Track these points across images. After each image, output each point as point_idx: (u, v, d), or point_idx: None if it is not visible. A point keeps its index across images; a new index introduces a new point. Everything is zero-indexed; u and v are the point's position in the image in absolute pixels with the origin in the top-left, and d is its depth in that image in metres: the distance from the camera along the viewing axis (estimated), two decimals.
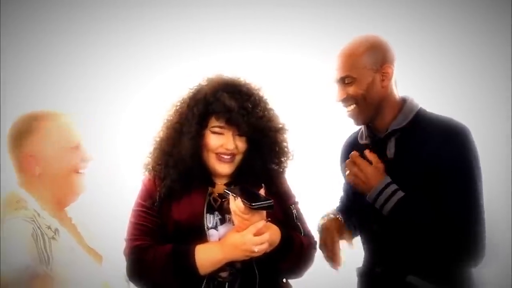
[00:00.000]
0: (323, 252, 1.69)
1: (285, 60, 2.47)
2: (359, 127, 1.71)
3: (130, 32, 2.44)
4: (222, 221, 1.55)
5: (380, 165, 1.55)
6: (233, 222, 1.48)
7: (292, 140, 1.66)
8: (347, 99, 1.56)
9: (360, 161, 1.56)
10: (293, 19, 2.44)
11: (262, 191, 1.46)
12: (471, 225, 1.43)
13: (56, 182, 1.32)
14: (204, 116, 1.54)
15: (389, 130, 1.56)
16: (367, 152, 1.56)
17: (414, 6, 2.44)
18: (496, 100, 2.34)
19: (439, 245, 1.46)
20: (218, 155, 1.55)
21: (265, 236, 1.42)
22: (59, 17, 2.37)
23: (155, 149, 1.60)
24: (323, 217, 1.78)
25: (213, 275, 1.49)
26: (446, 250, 1.46)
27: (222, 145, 1.53)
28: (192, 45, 2.43)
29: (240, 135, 1.54)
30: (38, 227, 1.22)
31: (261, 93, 1.61)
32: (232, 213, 1.43)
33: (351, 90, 1.54)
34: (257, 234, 1.41)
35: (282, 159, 1.63)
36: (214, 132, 1.54)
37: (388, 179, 1.52)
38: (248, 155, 1.58)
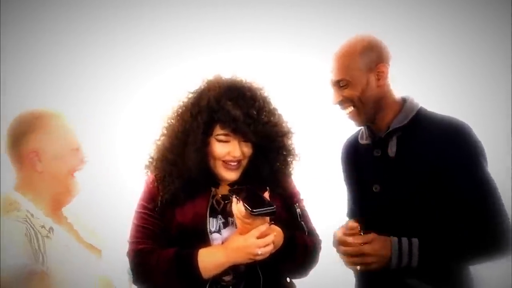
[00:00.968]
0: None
1: (286, 59, 2.46)
2: (359, 127, 1.70)
3: (129, 32, 2.44)
4: (225, 224, 1.55)
5: (370, 235, 1.48)
6: (236, 225, 1.47)
7: (296, 140, 1.65)
8: (344, 102, 1.57)
9: (365, 247, 1.46)
10: (293, 18, 2.44)
11: (266, 194, 1.46)
12: (490, 214, 1.43)
13: (55, 181, 1.33)
14: (209, 124, 1.51)
15: (390, 129, 1.56)
16: (350, 225, 1.50)
17: (413, 5, 2.44)
18: (496, 98, 2.34)
19: (471, 244, 1.45)
20: (225, 163, 1.53)
21: (269, 238, 1.41)
22: (58, 16, 2.37)
23: (158, 157, 1.58)
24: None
25: (217, 279, 1.49)
26: (467, 244, 1.45)
27: (229, 152, 1.51)
28: (191, 45, 2.43)
29: (246, 141, 1.53)
30: (31, 226, 1.24)
31: (264, 94, 1.59)
32: (235, 216, 1.42)
33: (346, 92, 1.55)
34: (260, 237, 1.41)
35: (289, 162, 1.63)
36: (219, 140, 1.51)
37: (394, 240, 1.47)
38: (255, 159, 1.56)
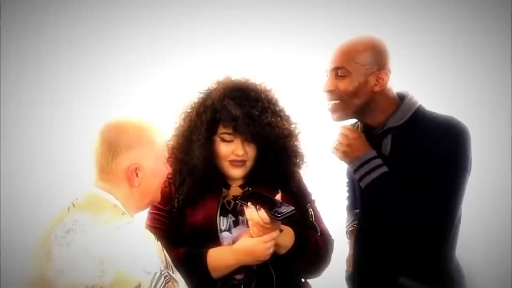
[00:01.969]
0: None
1: (295, 60, 2.46)
2: (352, 121, 1.68)
3: (132, 33, 2.43)
4: (236, 223, 1.55)
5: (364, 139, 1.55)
6: (247, 224, 1.48)
7: (302, 141, 1.64)
8: (334, 93, 1.54)
9: (349, 131, 1.56)
10: (299, 17, 2.44)
11: (278, 196, 1.47)
12: (440, 221, 1.44)
13: (145, 195, 1.30)
14: (213, 123, 1.53)
15: (385, 127, 1.54)
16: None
17: (414, 4, 2.44)
18: (496, 98, 2.34)
19: (407, 230, 1.47)
20: (230, 161, 1.54)
21: (273, 243, 1.44)
22: (58, 16, 2.37)
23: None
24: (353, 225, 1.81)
25: (228, 277, 1.50)
26: (414, 237, 1.47)
27: (232, 151, 1.52)
28: (199, 45, 2.43)
29: (249, 142, 1.53)
30: None
31: (270, 96, 1.58)
32: (252, 223, 1.42)
33: (342, 84, 1.51)
34: (269, 241, 1.43)
35: (296, 162, 1.62)
36: (223, 140, 1.53)
37: (374, 153, 1.52)
38: (260, 160, 1.57)
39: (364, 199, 1.56)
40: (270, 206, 1.40)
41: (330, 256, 1.60)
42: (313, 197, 1.68)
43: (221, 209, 1.55)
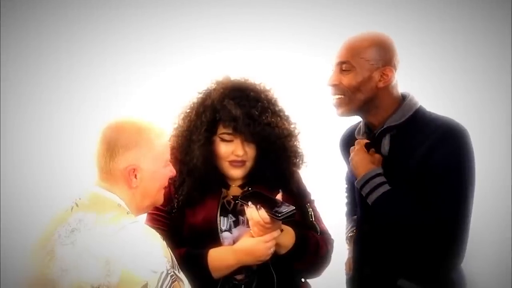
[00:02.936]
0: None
1: (294, 60, 2.46)
2: (355, 120, 1.69)
3: (131, 33, 2.43)
4: (236, 223, 1.55)
5: (377, 155, 1.53)
6: (247, 224, 1.48)
7: (302, 141, 1.64)
8: (338, 87, 1.53)
9: (358, 147, 1.56)
10: (299, 17, 2.44)
11: (279, 196, 1.47)
12: (456, 229, 1.41)
13: (146, 197, 1.29)
14: (213, 123, 1.53)
15: (384, 127, 1.53)
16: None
17: (414, 4, 2.43)
18: (497, 98, 2.34)
19: (421, 245, 1.44)
20: (230, 161, 1.54)
21: (274, 242, 1.44)
22: (58, 15, 2.36)
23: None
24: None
25: (229, 277, 1.50)
26: (428, 250, 1.44)
27: (232, 152, 1.52)
28: (198, 44, 2.43)
29: (249, 142, 1.53)
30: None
31: (269, 96, 1.59)
32: (252, 223, 1.42)
33: (346, 79, 1.50)
34: (269, 241, 1.43)
35: (296, 162, 1.62)
36: (223, 140, 1.53)
37: (379, 170, 1.50)
38: (260, 160, 1.57)
39: (363, 201, 1.55)
40: (270, 205, 1.40)
41: (330, 256, 1.60)
42: (312, 197, 1.68)
43: (221, 209, 1.55)
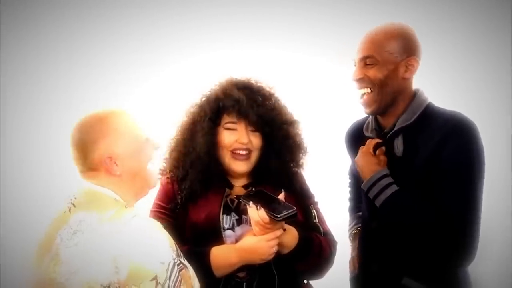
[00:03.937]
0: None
1: (294, 59, 2.46)
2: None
3: (131, 32, 2.43)
4: (239, 221, 1.55)
5: (382, 157, 1.53)
6: (250, 223, 1.47)
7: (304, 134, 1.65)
8: (363, 80, 1.50)
9: (364, 148, 1.55)
10: (299, 16, 2.44)
11: (281, 196, 1.46)
12: (466, 225, 1.39)
13: (136, 178, 1.29)
14: (217, 113, 1.54)
15: (396, 128, 1.51)
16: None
17: (414, 3, 2.43)
18: (496, 97, 2.34)
19: (431, 243, 1.43)
20: (234, 153, 1.54)
21: (276, 241, 1.44)
22: (57, 15, 2.36)
23: (171, 151, 1.61)
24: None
25: (231, 275, 1.49)
26: (438, 248, 1.42)
27: (236, 140, 1.52)
28: (198, 44, 2.43)
29: (253, 130, 1.53)
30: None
31: (272, 91, 1.60)
32: (253, 222, 1.42)
33: (371, 72, 1.47)
34: (272, 239, 1.43)
35: (298, 154, 1.61)
36: (227, 129, 1.54)
37: (384, 171, 1.49)
38: (264, 153, 1.57)
39: (369, 198, 1.54)
40: (271, 205, 1.40)
41: (333, 258, 1.60)
42: (316, 199, 1.68)
43: (224, 208, 1.55)
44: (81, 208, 1.20)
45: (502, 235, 2.18)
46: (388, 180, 1.48)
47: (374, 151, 1.55)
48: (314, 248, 1.53)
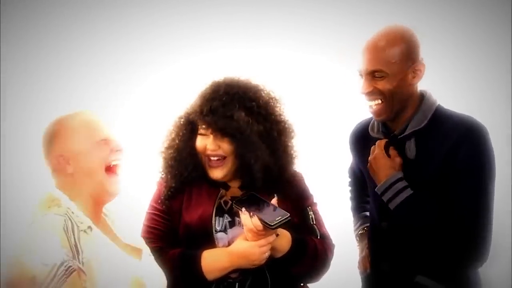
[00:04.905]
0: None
1: (293, 58, 2.46)
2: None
3: (131, 32, 2.43)
4: (232, 223, 1.54)
5: (397, 159, 1.52)
6: (242, 226, 1.46)
7: (301, 141, 1.63)
8: (373, 93, 1.49)
9: (378, 150, 1.54)
10: (299, 15, 2.44)
11: (274, 201, 1.44)
12: (479, 228, 1.41)
13: (89, 178, 1.30)
14: (194, 122, 1.55)
15: (407, 132, 1.50)
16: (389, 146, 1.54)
17: (414, 3, 2.43)
18: (496, 97, 2.34)
19: (444, 245, 1.44)
20: (209, 160, 1.53)
21: (269, 247, 1.43)
22: (57, 14, 2.36)
23: (162, 152, 1.62)
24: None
25: (223, 277, 1.49)
26: (451, 249, 1.44)
27: (205, 145, 1.52)
28: (198, 44, 2.43)
29: (221, 136, 1.50)
30: (69, 219, 1.22)
31: (258, 94, 1.55)
32: (246, 229, 1.41)
33: (380, 84, 1.46)
34: (264, 245, 1.42)
35: (284, 158, 1.58)
36: (200, 134, 1.54)
37: (399, 175, 1.50)
38: (239, 158, 1.52)
39: (378, 198, 1.54)
40: (265, 211, 1.39)
41: (330, 261, 1.58)
42: (314, 200, 1.66)
43: (217, 209, 1.54)
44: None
45: (502, 235, 2.17)
46: (403, 183, 1.49)
47: (386, 152, 1.55)
48: (308, 251, 1.51)
